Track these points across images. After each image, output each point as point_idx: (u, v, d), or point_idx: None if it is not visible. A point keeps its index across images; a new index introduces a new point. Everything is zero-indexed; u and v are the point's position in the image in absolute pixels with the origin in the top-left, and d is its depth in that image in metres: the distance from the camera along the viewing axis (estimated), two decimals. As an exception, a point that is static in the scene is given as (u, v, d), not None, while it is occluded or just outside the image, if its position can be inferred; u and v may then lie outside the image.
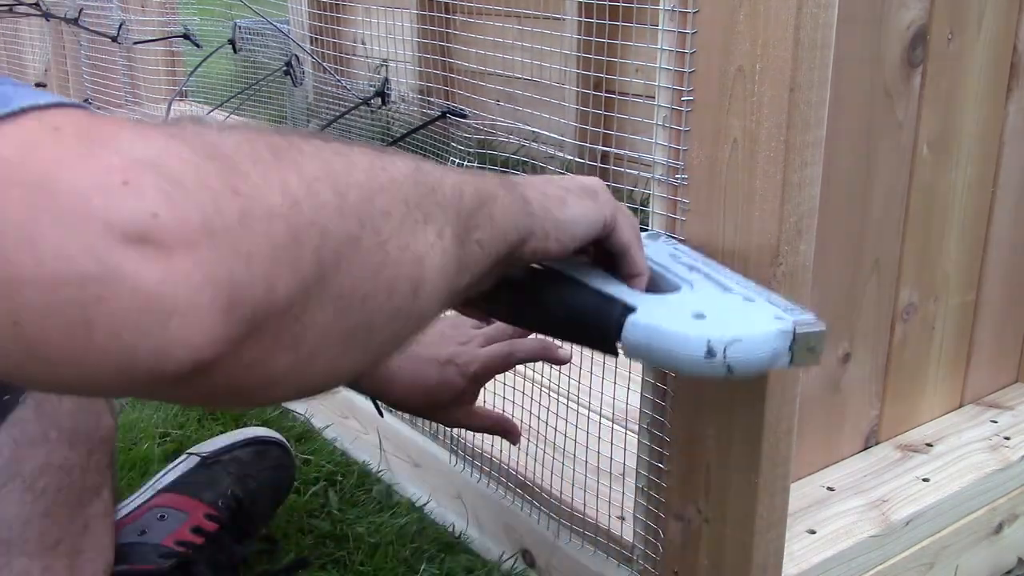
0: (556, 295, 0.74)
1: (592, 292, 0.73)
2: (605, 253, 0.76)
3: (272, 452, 1.24)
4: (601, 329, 0.70)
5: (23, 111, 0.40)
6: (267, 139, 0.46)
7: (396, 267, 0.49)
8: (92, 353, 0.38)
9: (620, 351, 0.71)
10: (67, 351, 0.37)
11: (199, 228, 0.39)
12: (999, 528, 1.17)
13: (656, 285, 0.75)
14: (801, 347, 0.67)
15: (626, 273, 0.74)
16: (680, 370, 0.68)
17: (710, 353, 0.65)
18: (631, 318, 0.68)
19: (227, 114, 1.55)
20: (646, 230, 0.86)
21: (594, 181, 0.76)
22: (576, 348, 1.10)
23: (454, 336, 1.06)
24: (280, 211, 0.42)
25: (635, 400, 0.95)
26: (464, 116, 1.08)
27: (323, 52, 1.49)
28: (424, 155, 1.19)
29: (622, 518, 1.04)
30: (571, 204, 0.70)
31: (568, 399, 1.26)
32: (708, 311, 0.68)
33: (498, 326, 1.06)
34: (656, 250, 0.82)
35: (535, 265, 0.74)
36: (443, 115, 1.08)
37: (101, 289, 0.37)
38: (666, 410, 0.90)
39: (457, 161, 1.11)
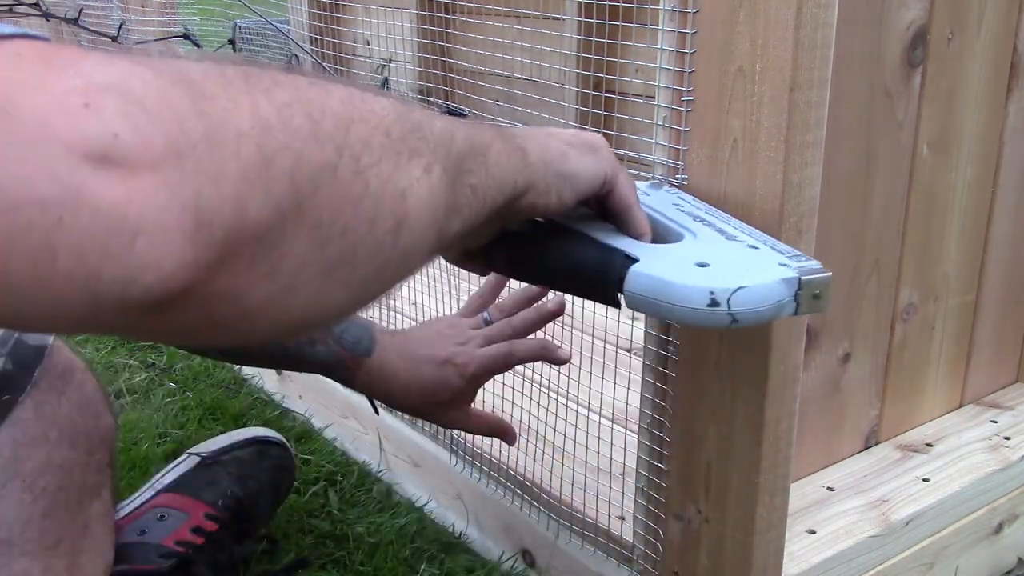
0: (556, 246, 0.73)
1: (593, 242, 0.71)
2: (604, 212, 0.75)
3: (272, 452, 1.24)
4: (602, 280, 0.69)
5: None
6: (240, 67, 0.44)
7: (377, 199, 0.47)
8: (57, 280, 0.36)
9: (622, 302, 0.69)
10: (31, 278, 0.36)
11: (163, 148, 0.38)
12: (999, 528, 1.17)
13: (659, 235, 0.74)
14: (806, 295, 0.65)
15: (626, 234, 0.73)
16: (684, 321, 0.66)
17: (713, 303, 0.63)
18: (633, 268, 0.67)
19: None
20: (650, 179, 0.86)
21: (596, 137, 0.74)
22: (576, 349, 1.10)
23: (452, 336, 1.06)
24: (250, 133, 0.41)
25: (635, 400, 0.95)
26: (462, 116, 1.08)
27: (323, 52, 1.49)
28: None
29: (622, 518, 1.04)
30: (572, 158, 0.69)
31: (568, 399, 1.26)
32: (711, 260, 0.67)
33: (497, 326, 1.06)
34: (659, 199, 0.80)
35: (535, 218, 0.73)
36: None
37: (62, 211, 0.35)
38: (666, 410, 0.90)
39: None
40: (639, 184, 0.83)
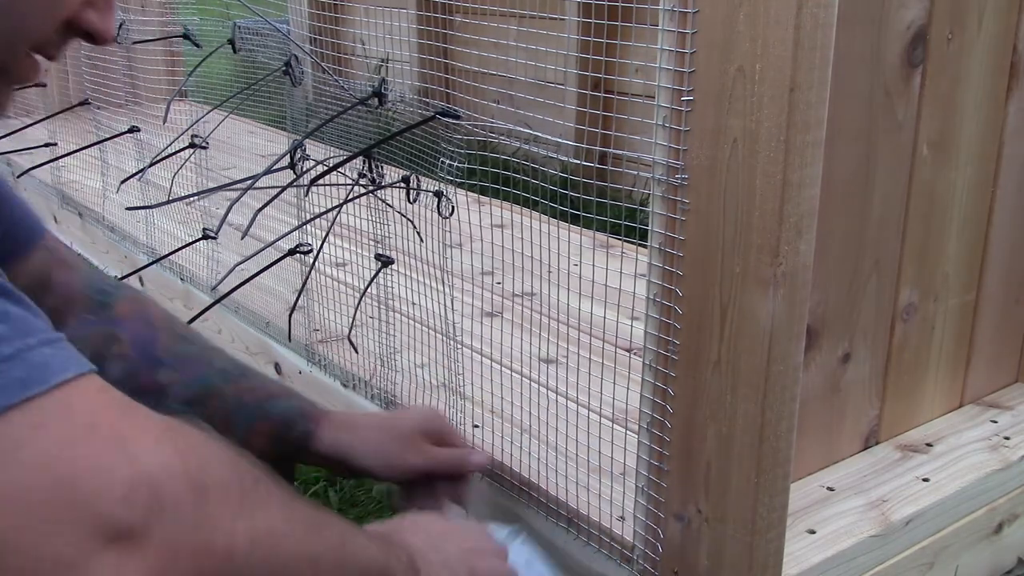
0: None
1: None
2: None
3: None
4: None
5: (59, 385, 0.53)
6: (250, 482, 0.61)
7: None
8: None
9: None
10: None
11: (158, 545, 0.52)
12: (999, 528, 1.17)
13: None
14: None
15: None
16: None
17: None
18: None
19: (227, 113, 1.55)
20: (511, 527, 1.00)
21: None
22: (575, 348, 1.10)
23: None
24: (224, 554, 0.56)
25: (635, 400, 0.95)
26: (458, 118, 1.07)
27: (323, 52, 1.49)
28: (417, 158, 1.20)
29: (622, 518, 1.04)
30: None
31: (568, 399, 1.26)
32: None
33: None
34: (516, 551, 0.97)
35: None
36: (434, 116, 1.08)
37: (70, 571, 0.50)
38: (666, 410, 0.90)
39: (449, 163, 1.11)
40: (498, 529, 0.99)
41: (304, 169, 1.24)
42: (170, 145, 1.53)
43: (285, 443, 1.00)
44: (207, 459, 0.58)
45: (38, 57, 0.63)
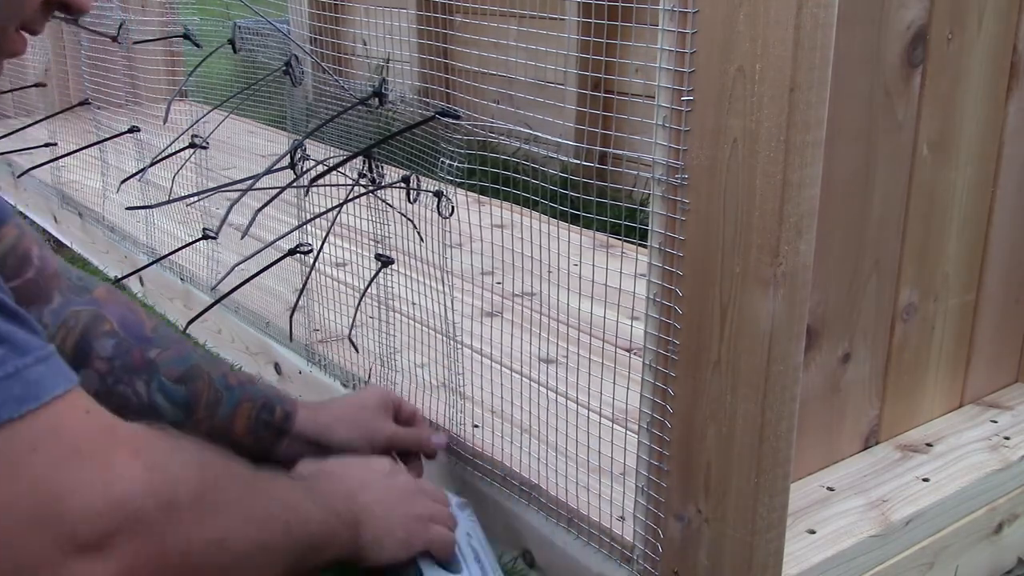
0: None
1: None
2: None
3: None
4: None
5: (51, 401, 0.62)
6: (226, 480, 0.72)
7: None
8: None
9: None
10: None
11: (126, 555, 0.62)
12: (999, 528, 1.17)
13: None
14: None
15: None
16: None
17: None
18: None
19: (227, 114, 1.55)
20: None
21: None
22: (574, 349, 1.10)
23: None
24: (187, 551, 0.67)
25: (635, 400, 0.95)
26: (458, 118, 1.07)
27: (323, 52, 1.49)
28: (417, 158, 1.20)
29: (622, 518, 1.04)
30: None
31: (568, 399, 1.26)
32: None
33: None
34: (461, 522, 1.05)
35: None
36: (434, 116, 1.08)
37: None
38: (666, 410, 0.90)
39: (449, 163, 1.11)
40: (451, 497, 1.09)
41: (304, 169, 1.24)
42: (170, 145, 1.53)
43: (268, 425, 1.05)
44: (174, 474, 0.67)
45: (23, 33, 0.72)
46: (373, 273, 1.31)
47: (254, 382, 1.09)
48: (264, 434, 1.05)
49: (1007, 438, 1.21)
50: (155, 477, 0.65)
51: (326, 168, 1.21)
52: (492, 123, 1.31)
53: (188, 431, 0.92)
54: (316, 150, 1.30)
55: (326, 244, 1.34)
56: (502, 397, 1.23)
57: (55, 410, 0.62)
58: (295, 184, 1.24)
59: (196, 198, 1.54)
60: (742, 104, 0.78)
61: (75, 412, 0.64)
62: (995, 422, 1.25)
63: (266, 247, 1.27)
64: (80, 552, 0.59)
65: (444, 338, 1.29)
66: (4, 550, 0.58)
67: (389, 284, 1.34)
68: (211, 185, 1.47)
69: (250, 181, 1.16)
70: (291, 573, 0.78)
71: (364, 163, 1.23)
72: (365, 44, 1.36)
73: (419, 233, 1.26)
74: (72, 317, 0.99)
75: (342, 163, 1.21)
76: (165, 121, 1.52)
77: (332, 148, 1.37)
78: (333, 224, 1.29)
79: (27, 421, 0.60)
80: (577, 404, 1.21)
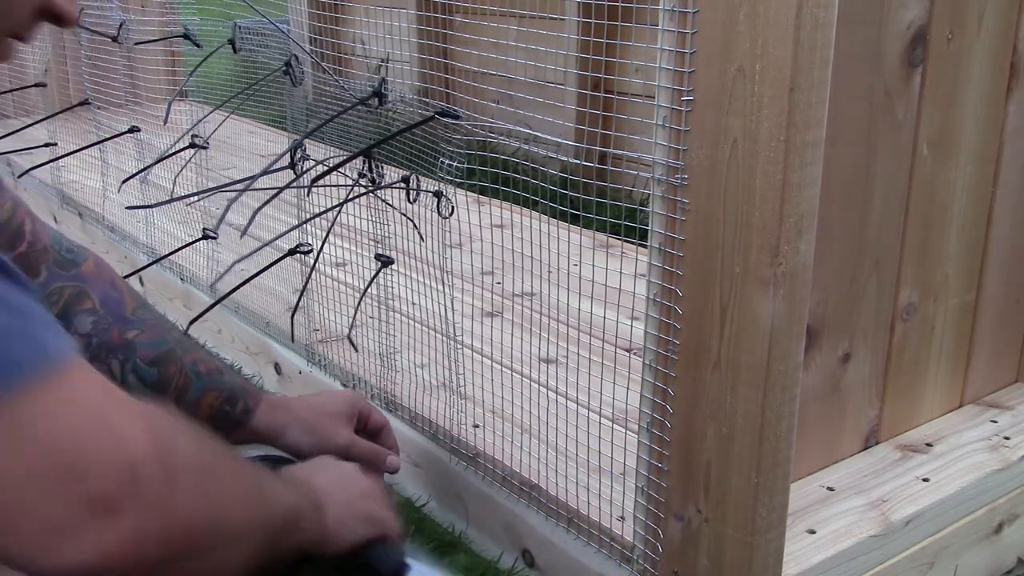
0: None
1: None
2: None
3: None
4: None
5: (63, 369, 0.63)
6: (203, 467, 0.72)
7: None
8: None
9: None
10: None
11: (133, 512, 0.63)
12: (999, 528, 1.17)
13: None
14: None
15: None
16: None
17: None
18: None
19: (227, 114, 1.55)
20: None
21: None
22: (574, 349, 1.10)
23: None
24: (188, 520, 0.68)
25: (635, 400, 0.95)
26: (458, 118, 1.07)
27: (323, 52, 1.49)
28: (417, 158, 1.20)
29: (622, 518, 1.04)
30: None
31: (568, 399, 1.26)
32: None
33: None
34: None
35: None
36: (434, 116, 1.08)
37: (60, 538, 0.61)
38: (666, 410, 0.90)
39: (449, 163, 1.11)
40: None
41: (304, 169, 1.24)
42: (172, 146, 1.53)
43: (227, 417, 1.08)
44: (177, 443, 0.69)
45: (11, 40, 0.73)
46: (373, 273, 1.31)
47: (223, 372, 1.10)
48: (222, 424, 1.08)
49: (1007, 438, 1.21)
50: (161, 448, 0.66)
51: (326, 168, 1.21)
52: (492, 123, 1.32)
53: None
54: (316, 150, 1.31)
55: (326, 244, 1.34)
56: (502, 397, 1.23)
57: (68, 377, 0.64)
58: (295, 184, 1.25)
59: (196, 198, 1.54)
60: (742, 104, 0.78)
61: (87, 380, 0.65)
62: (995, 422, 1.25)
63: (263, 246, 1.27)
64: (93, 514, 0.62)
65: (444, 338, 1.29)
66: (23, 514, 0.60)
67: (389, 284, 1.34)
68: (211, 185, 1.48)
69: (249, 181, 1.16)
70: (262, 559, 0.79)
71: (364, 163, 1.23)
72: (364, 44, 1.36)
73: (419, 233, 1.26)
74: (56, 292, 1.01)
75: (342, 163, 1.21)
76: (165, 121, 1.52)
77: (332, 148, 1.37)
78: (333, 224, 1.29)
79: (43, 387, 0.62)
80: (577, 404, 1.21)
